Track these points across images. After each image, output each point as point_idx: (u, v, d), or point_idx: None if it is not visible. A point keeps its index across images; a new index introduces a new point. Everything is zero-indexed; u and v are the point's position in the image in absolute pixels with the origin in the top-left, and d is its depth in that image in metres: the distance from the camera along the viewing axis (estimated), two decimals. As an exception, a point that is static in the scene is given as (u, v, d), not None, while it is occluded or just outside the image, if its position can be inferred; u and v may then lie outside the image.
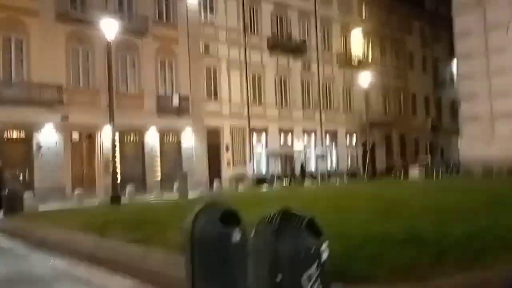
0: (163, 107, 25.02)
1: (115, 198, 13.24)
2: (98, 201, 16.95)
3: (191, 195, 17.94)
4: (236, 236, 3.97)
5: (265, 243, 3.17)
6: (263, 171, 30.64)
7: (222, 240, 3.91)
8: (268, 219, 3.26)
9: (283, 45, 31.76)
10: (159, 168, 25.10)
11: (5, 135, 20.13)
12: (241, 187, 22.94)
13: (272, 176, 29.33)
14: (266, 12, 31.55)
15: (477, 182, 20.58)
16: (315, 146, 33.95)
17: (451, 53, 43.93)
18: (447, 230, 6.64)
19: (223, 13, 28.89)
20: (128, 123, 22.21)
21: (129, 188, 20.13)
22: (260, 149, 30.68)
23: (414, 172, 26.64)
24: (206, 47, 27.92)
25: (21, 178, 19.92)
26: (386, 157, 39.64)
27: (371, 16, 39.50)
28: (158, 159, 25.15)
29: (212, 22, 28.47)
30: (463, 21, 29.71)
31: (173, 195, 19.62)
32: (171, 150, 26.00)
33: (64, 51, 21.81)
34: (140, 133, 24.42)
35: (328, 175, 31.72)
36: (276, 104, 31.82)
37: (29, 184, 19.27)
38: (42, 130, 20.82)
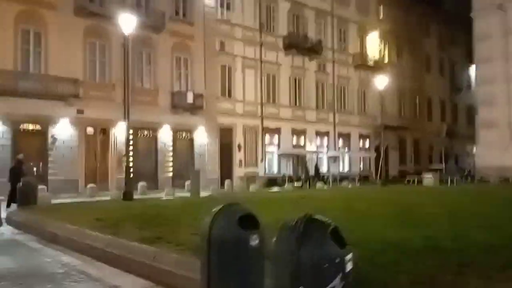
0: (177, 104, 24.99)
1: (128, 194, 13.19)
2: (110, 196, 17.00)
3: (203, 193, 17.87)
4: (255, 240, 3.85)
5: (287, 250, 3.02)
6: (275, 171, 30.46)
7: (240, 244, 3.78)
8: (291, 224, 3.12)
9: (299, 44, 31.52)
10: (171, 165, 25.09)
11: (21, 127, 20.25)
12: (252, 187, 22.80)
13: (284, 177, 29.14)
14: (282, 10, 31.36)
15: (494, 189, 20.21)
16: (328, 148, 33.66)
17: (468, 57, 43.35)
18: (468, 238, 6.46)
19: (239, 11, 28.77)
20: (142, 119, 22.25)
21: (141, 185, 20.23)
22: (272, 150, 30.49)
23: (429, 178, 26.22)
24: (222, 45, 27.83)
25: (35, 170, 19.98)
26: (399, 161, 39.16)
27: (388, 17, 39.03)
28: (171, 156, 25.13)
29: (228, 19, 28.37)
30: (483, 24, 29.27)
31: (184, 193, 19.61)
32: (184, 148, 25.96)
33: (81, 45, 21.88)
34: (153, 129, 24.42)
35: (340, 178, 31.42)
36: (289, 104, 31.61)
37: (42, 177, 19.39)
38: (58, 123, 20.93)
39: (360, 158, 36.21)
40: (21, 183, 11.85)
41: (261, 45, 29.77)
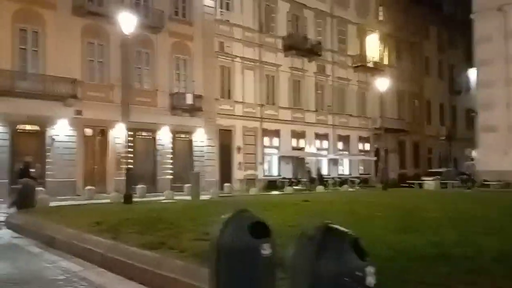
0: (176, 105, 24.82)
1: (128, 197, 12.98)
2: (108, 198, 16.81)
3: (202, 196, 17.69)
4: (266, 249, 3.69)
5: (305, 262, 2.86)
6: (274, 174, 30.29)
7: (251, 253, 3.62)
8: (309, 234, 2.95)
9: (298, 45, 31.41)
10: (170, 167, 24.88)
11: (18, 128, 20.03)
12: (252, 190, 22.62)
13: (284, 179, 28.98)
14: (282, 11, 31.25)
15: (495, 194, 20.11)
16: (327, 150, 33.52)
17: (467, 60, 43.29)
18: (475, 244, 6.32)
19: (239, 11, 28.64)
20: (141, 120, 22.03)
21: (140, 187, 20.01)
22: (271, 152, 30.31)
23: (429, 182, 26.10)
24: (221, 45, 27.68)
25: (32, 171, 19.70)
26: (399, 165, 39.05)
27: (388, 19, 39.00)
28: (170, 158, 24.93)
29: (227, 19, 28.25)
30: (483, 26, 29.19)
31: (184, 196, 19.41)
32: (183, 150, 25.77)
33: (79, 45, 21.71)
34: (152, 130, 24.24)
35: (340, 181, 31.30)
36: (289, 106, 31.48)
37: (40, 178, 19.09)
38: (56, 124, 20.73)
39: (359, 161, 36.06)
40: (20, 185, 11.63)
41: (260, 46, 29.63)
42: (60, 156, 20.73)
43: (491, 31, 28.58)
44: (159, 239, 6.67)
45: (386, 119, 31.88)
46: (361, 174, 35.57)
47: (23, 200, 11.36)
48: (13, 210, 11.88)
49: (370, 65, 36.39)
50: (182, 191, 21.50)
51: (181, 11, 25.91)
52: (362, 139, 36.65)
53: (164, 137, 24.70)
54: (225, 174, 27.09)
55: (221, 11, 27.94)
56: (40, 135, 20.57)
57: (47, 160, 20.41)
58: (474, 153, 35.10)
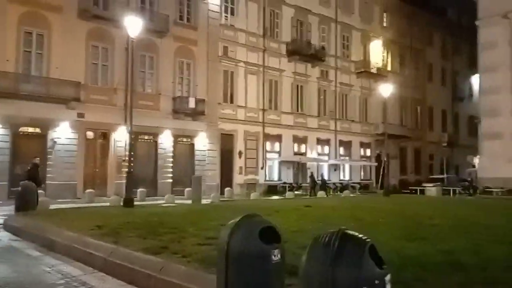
0: (178, 109, 24.72)
1: (129, 201, 12.84)
2: (109, 202, 16.67)
3: (203, 200, 17.55)
4: (277, 255, 3.56)
5: (320, 270, 2.72)
6: (275, 179, 30.13)
7: (261, 259, 3.49)
8: (324, 241, 2.82)
9: (302, 51, 31.35)
10: (171, 171, 24.74)
11: (20, 130, 19.94)
12: (253, 195, 22.46)
13: (284, 184, 28.83)
14: (286, 16, 31.22)
15: (498, 201, 19.94)
16: (329, 156, 33.38)
17: (470, 67, 43.26)
18: (486, 253, 6.18)
19: (243, 16, 28.60)
20: (143, 124, 21.85)
21: (140, 190, 19.88)
22: (273, 157, 30.16)
23: (431, 189, 25.93)
24: (225, 50, 27.63)
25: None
26: (400, 171, 38.87)
27: (392, 25, 38.98)
28: (171, 162, 24.79)
29: (232, 24, 28.21)
30: (488, 33, 29.12)
31: (184, 200, 19.27)
32: (184, 154, 25.63)
33: (84, 48, 21.66)
34: (154, 134, 24.11)
35: (341, 187, 31.13)
36: (291, 111, 31.38)
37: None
38: (58, 126, 20.63)
39: (360, 166, 35.91)
40: (20, 187, 11.53)
41: (264, 51, 29.58)
42: (61, 159, 20.61)
43: (496, 38, 28.51)
44: (161, 244, 6.55)
45: (388, 125, 31.74)
46: (362, 180, 35.40)
47: (23, 202, 11.22)
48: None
49: (374, 71, 36.30)
50: (183, 195, 21.37)
51: (186, 16, 25.88)
52: (364, 145, 36.51)
53: (165, 140, 24.59)
54: (226, 178, 26.94)
55: (225, 16, 27.92)
56: (41, 138, 20.46)
57: (48, 162, 20.28)
58: (475, 160, 34.92)
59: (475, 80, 45.44)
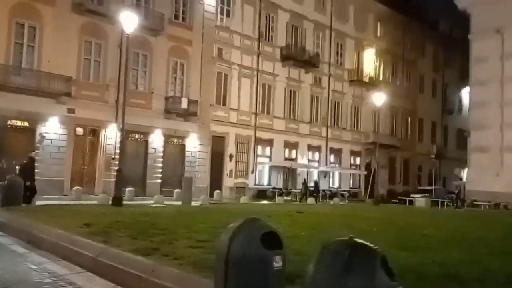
0: (170, 109, 24.50)
1: (117, 200, 12.59)
2: (96, 200, 16.38)
3: (193, 202, 17.34)
4: (279, 261, 3.43)
5: (330, 281, 2.59)
6: (265, 183, 30.00)
7: (263, 264, 3.36)
8: (334, 249, 2.69)
9: (296, 56, 31.37)
10: (160, 171, 24.46)
11: (9, 123, 19.53)
12: (243, 199, 22.31)
13: (274, 189, 28.70)
14: (282, 21, 31.21)
15: (487, 214, 20.08)
16: (319, 162, 33.37)
17: (462, 80, 43.73)
18: (482, 265, 6.12)
19: (239, 18, 28.52)
20: (134, 122, 21.50)
21: (128, 190, 19.57)
22: (263, 161, 30.04)
23: (420, 199, 26.05)
24: (219, 51, 27.50)
25: (18, 168, 19.17)
26: (388, 180, 39.01)
27: (386, 35, 39.23)
28: (160, 162, 24.52)
29: (227, 26, 28.10)
30: (480, 47, 29.47)
31: (173, 201, 19.03)
32: (174, 154, 25.39)
33: (76, 43, 21.35)
34: (144, 133, 23.83)
35: (330, 194, 31.10)
36: (284, 116, 31.32)
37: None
38: (47, 121, 20.27)
39: (350, 174, 35.97)
40: (5, 182, 11.26)
41: (258, 55, 29.51)
42: (49, 154, 20.23)
43: (488, 52, 28.85)
44: (152, 245, 6.38)
45: (378, 134, 31.84)
46: (351, 188, 35.45)
47: (9, 197, 10.93)
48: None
49: (366, 80, 36.46)
50: (171, 196, 21.10)
51: (181, 15, 25.71)
52: (354, 153, 36.59)
53: (156, 140, 24.33)
54: (216, 181, 26.75)
55: (221, 17, 27.80)
56: (30, 132, 20.08)
57: (36, 157, 19.83)
58: (463, 173, 35.24)
59: (465, 93, 46.00)
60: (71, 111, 20.74)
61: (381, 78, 38.61)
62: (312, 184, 30.22)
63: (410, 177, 41.77)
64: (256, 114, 29.27)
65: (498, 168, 28.30)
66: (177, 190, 21.94)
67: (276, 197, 25.93)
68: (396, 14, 39.25)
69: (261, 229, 3.50)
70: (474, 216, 17.31)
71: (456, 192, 32.06)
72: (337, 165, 34.88)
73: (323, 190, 31.00)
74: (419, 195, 30.39)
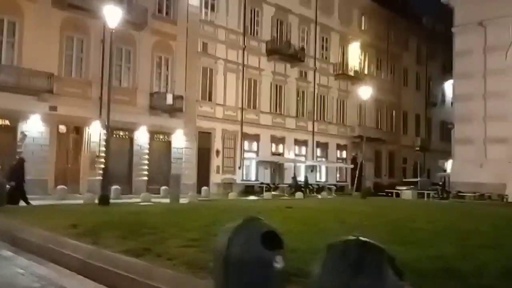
0: (155, 105, 24.16)
1: (104, 199, 12.34)
2: (82, 199, 16.06)
3: (180, 200, 17.13)
4: (280, 262, 3.32)
5: (338, 281, 2.49)
6: (252, 179, 29.90)
7: (264, 265, 3.25)
8: (341, 250, 2.59)
9: (282, 50, 31.24)
10: (146, 169, 24.15)
11: (-13, 122, 19.04)
12: (231, 195, 22.18)
13: (262, 184, 28.64)
14: (267, 15, 31.02)
15: (473, 205, 20.33)
16: (306, 157, 33.40)
17: (444, 73, 44.26)
18: (476, 259, 6.12)
19: (224, 12, 28.24)
20: (118, 119, 21.03)
21: (114, 188, 19.23)
22: (250, 156, 29.93)
23: (407, 192, 26.28)
24: (204, 46, 27.21)
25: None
26: (374, 173, 39.28)
27: (370, 29, 39.37)
28: (146, 159, 24.21)
29: (212, 20, 27.80)
30: (464, 40, 29.72)
31: (160, 198, 18.82)
32: (160, 151, 25.10)
33: (58, 38, 20.84)
34: (129, 130, 23.46)
35: (318, 188, 31.18)
36: (270, 111, 31.22)
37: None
38: (28, 119, 19.78)
39: (337, 168, 36.11)
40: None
41: (244, 49, 29.30)
42: (31, 153, 19.71)
43: (471, 45, 29.12)
44: (143, 245, 6.22)
45: (363, 128, 32.02)
46: (337, 182, 35.61)
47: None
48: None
49: (351, 73, 36.56)
50: (158, 194, 20.89)
51: (165, 9, 25.32)
52: (340, 147, 36.73)
53: (141, 137, 23.99)
54: (203, 177, 26.53)
55: (205, 11, 27.48)
56: (10, 130, 19.57)
57: (17, 156, 19.36)
58: (446, 165, 35.68)
59: (448, 86, 46.57)
60: (53, 108, 20.28)
61: (366, 72, 38.77)
62: (300, 178, 30.33)
63: (395, 170, 42.17)
64: (242, 109, 29.10)
65: (482, 160, 28.68)
66: (164, 187, 21.75)
67: (264, 192, 25.86)
68: (381, 9, 39.43)
69: (261, 229, 3.39)
70: (461, 208, 17.50)
71: (440, 183, 32.49)
72: (323, 159, 34.97)
73: (311, 184, 31.08)
74: (404, 187, 30.68)
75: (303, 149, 33.56)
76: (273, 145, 31.36)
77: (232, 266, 3.25)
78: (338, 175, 36.44)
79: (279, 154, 31.44)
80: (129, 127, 23.16)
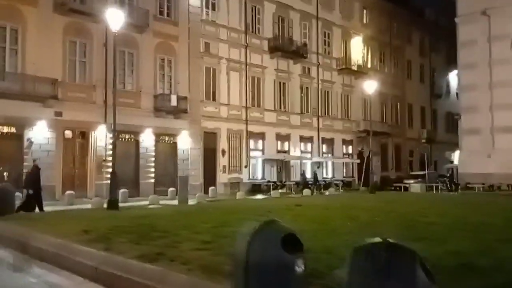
0: (160, 107, 24.09)
1: (113, 203, 12.28)
2: (89, 203, 16.04)
3: (189, 201, 17.09)
4: (300, 265, 3.23)
5: (367, 285, 2.40)
6: (259, 177, 29.80)
7: (285, 270, 3.16)
8: (369, 252, 2.50)
9: (284, 47, 31.06)
10: (153, 171, 24.10)
11: (-6, 130, 19.04)
12: (239, 195, 22.10)
13: (268, 183, 28.53)
14: (268, 12, 30.85)
15: (483, 197, 20.14)
16: (311, 153, 33.26)
17: (448, 64, 43.91)
18: (497, 253, 6.00)
19: (225, 11, 28.09)
20: (123, 122, 20.95)
21: (122, 191, 19.21)
22: (256, 155, 29.83)
23: (415, 185, 26.05)
24: (207, 46, 27.08)
25: (5, 175, 18.75)
26: (381, 167, 39.08)
27: (372, 22, 39.11)
28: (153, 162, 24.15)
29: (213, 20, 27.66)
30: (467, 30, 29.40)
31: (168, 200, 18.79)
32: (166, 153, 25.03)
33: (60, 44, 20.78)
34: (135, 133, 23.39)
35: (325, 185, 31.01)
36: (274, 108, 31.08)
37: (17, 183, 18.08)
38: (34, 126, 19.75)
39: (343, 163, 35.94)
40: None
41: (246, 47, 29.17)
42: (38, 160, 19.70)
43: (475, 35, 28.81)
44: (156, 250, 6.16)
45: (369, 122, 31.83)
46: (344, 177, 35.43)
47: (1, 207, 10.57)
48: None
49: (354, 68, 36.34)
50: (166, 195, 20.86)
51: (166, 11, 25.20)
52: (346, 142, 36.55)
53: (147, 139, 23.93)
54: (209, 177, 26.47)
55: (206, 11, 27.37)
56: (17, 138, 19.56)
57: (24, 163, 19.40)
58: (453, 156, 35.39)
59: (452, 77, 46.22)
60: (58, 114, 20.25)
61: (369, 65, 38.52)
62: (308, 175, 30.23)
63: (402, 163, 41.94)
64: (246, 107, 28.99)
65: (489, 150, 28.42)
66: (171, 189, 21.71)
67: (271, 190, 25.76)
68: (382, 1, 39.15)
69: (280, 232, 3.30)
70: (471, 200, 17.32)
71: (448, 175, 32.21)
72: (329, 155, 34.81)
73: (318, 181, 30.93)
74: (412, 181, 30.45)
75: (309, 145, 33.42)
76: (279, 142, 31.23)
77: (252, 271, 3.16)
78: (344, 171, 36.26)
79: (284, 152, 31.29)
80: (134, 130, 23.10)
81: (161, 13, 24.96)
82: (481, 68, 28.83)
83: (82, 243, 6.87)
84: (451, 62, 39.04)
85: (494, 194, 23.17)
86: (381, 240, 2.53)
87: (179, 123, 24.93)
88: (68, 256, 6.44)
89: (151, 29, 23.88)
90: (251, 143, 29.49)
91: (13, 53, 19.61)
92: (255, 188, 27.68)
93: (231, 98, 28.22)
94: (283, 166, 31.04)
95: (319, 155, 33.44)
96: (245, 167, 28.88)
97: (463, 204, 15.15)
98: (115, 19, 13.34)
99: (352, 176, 36.45)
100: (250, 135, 29.27)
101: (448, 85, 47.38)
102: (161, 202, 17.20)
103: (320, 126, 34.06)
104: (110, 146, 18.78)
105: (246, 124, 28.91)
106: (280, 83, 31.56)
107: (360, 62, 37.27)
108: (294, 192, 26.56)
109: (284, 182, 29.65)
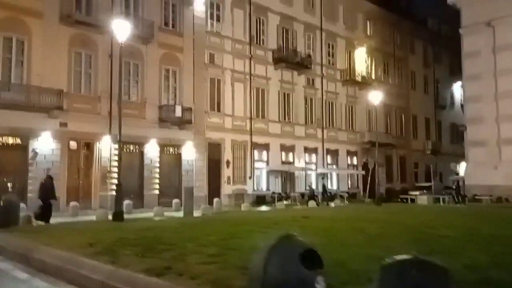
0: (164, 118, 24.05)
1: (118, 214, 12.14)
2: (94, 215, 15.88)
3: (194, 212, 16.91)
4: (320, 282, 3.08)
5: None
6: (264, 189, 29.62)
7: (304, 287, 3.00)
8: (398, 271, 2.35)
9: (288, 58, 31.13)
10: (157, 182, 23.98)
11: (0, 141, 18.96)
12: (244, 206, 21.90)
13: (273, 194, 28.33)
14: (272, 24, 30.97)
15: (491, 209, 19.88)
16: (316, 165, 33.09)
17: (452, 75, 43.91)
18: None
19: (229, 23, 28.21)
20: (128, 133, 20.98)
21: (126, 203, 19.07)
22: (260, 166, 29.68)
23: (422, 197, 25.78)
24: (211, 57, 27.14)
25: (10, 186, 18.66)
26: (386, 179, 38.82)
27: (376, 33, 39.21)
28: (157, 173, 24.04)
29: (218, 31, 27.76)
30: (472, 41, 29.38)
31: (173, 212, 18.62)
32: (170, 164, 24.93)
33: (66, 55, 20.86)
34: (139, 144, 23.33)
35: (330, 196, 30.77)
36: (278, 119, 31.02)
37: (21, 194, 18.04)
38: (39, 136, 19.71)
39: (348, 175, 35.72)
40: (1, 202, 10.82)
41: (250, 59, 29.21)
42: (42, 171, 19.60)
43: (480, 46, 28.79)
44: (163, 263, 6.02)
45: (374, 133, 31.68)
46: (349, 189, 35.19)
47: (6, 218, 10.44)
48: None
49: (358, 79, 36.34)
50: (170, 207, 20.68)
51: (171, 22, 25.34)
52: (350, 153, 36.37)
53: (151, 150, 23.85)
54: (214, 188, 26.31)
55: (211, 23, 27.48)
56: (22, 149, 19.51)
57: (29, 174, 19.34)
58: (458, 168, 35.14)
59: (456, 88, 46.19)
60: (63, 125, 20.23)
61: (373, 76, 38.52)
62: (314, 186, 30.06)
63: (407, 175, 41.67)
64: (251, 118, 28.94)
65: (496, 161, 28.20)
66: (176, 200, 21.54)
67: (276, 202, 25.56)
68: (385, 12, 39.30)
69: (299, 247, 3.15)
70: (479, 212, 17.09)
71: (454, 187, 31.90)
72: (334, 166, 34.62)
73: (322, 193, 30.71)
74: (417, 192, 30.18)
75: (313, 156, 33.26)
76: (283, 153, 31.10)
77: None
78: (349, 182, 36.03)
79: (289, 163, 31.14)
80: (139, 140, 23.04)
81: (166, 24, 25.07)
82: (486, 79, 28.76)
83: (87, 256, 6.73)
84: (454, 72, 39.04)
85: (502, 206, 22.88)
86: (411, 257, 2.38)
87: (183, 134, 24.87)
88: (73, 269, 6.31)
89: (156, 40, 23.95)
90: (256, 154, 29.37)
91: (19, 64, 19.67)
92: (260, 200, 27.48)
93: (235, 109, 28.19)
94: (287, 177, 30.86)
95: (323, 166, 33.26)
96: (250, 178, 28.72)
97: (471, 216, 14.92)
98: (121, 30, 13.34)
99: (357, 188, 36.20)
100: (255, 146, 29.16)
101: (452, 96, 47.31)
102: (165, 213, 17.03)
103: (325, 137, 33.94)
104: (115, 157, 18.75)
105: (251, 135, 28.82)
106: (284, 94, 31.54)
107: (364, 73, 37.28)
108: (299, 204, 26.34)
109: (289, 193, 29.44)
